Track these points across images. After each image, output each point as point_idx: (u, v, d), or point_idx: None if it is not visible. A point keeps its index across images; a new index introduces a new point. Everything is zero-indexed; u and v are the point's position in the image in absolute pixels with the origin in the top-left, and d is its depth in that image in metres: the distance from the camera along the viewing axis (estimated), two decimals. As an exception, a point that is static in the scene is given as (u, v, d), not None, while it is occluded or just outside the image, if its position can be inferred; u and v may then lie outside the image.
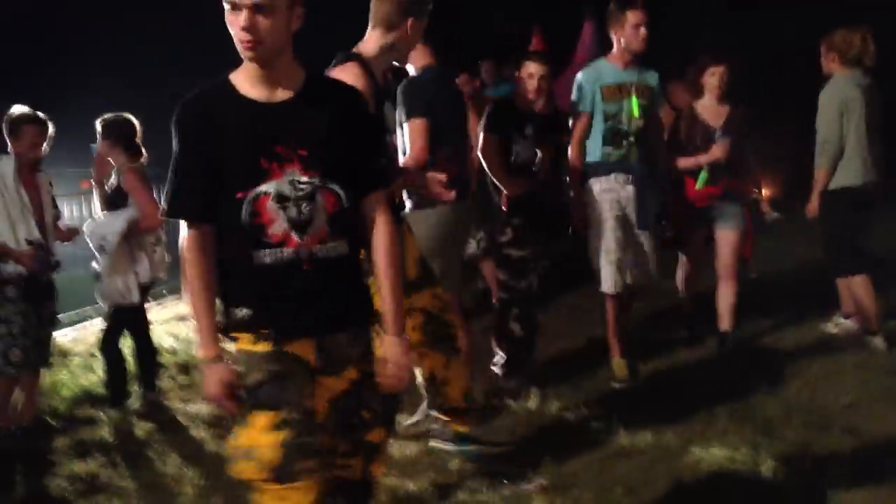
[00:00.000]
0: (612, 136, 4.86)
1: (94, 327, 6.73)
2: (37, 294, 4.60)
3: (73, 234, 4.97)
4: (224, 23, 2.30)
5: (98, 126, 4.89)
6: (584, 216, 4.93)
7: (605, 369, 5.06)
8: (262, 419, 2.34)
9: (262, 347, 2.37)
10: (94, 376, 5.56)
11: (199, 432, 4.65)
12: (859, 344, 5.11)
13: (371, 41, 3.30)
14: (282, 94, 2.39)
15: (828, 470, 3.54)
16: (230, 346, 2.43)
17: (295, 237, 2.35)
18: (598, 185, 4.86)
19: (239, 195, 2.32)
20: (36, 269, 4.54)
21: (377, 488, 2.72)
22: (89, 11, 14.16)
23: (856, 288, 5.14)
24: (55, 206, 4.92)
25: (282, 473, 2.32)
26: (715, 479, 3.60)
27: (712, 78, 5.24)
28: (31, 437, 4.60)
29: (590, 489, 3.59)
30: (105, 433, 4.72)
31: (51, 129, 4.72)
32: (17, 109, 4.66)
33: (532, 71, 4.78)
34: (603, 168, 4.87)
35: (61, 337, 6.54)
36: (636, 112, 4.82)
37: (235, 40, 2.30)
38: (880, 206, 5.28)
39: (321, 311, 2.43)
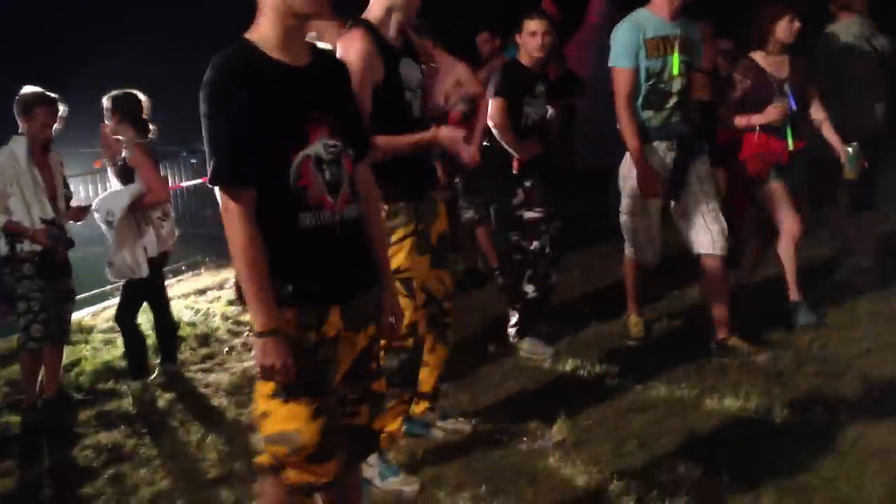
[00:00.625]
0: (654, 98, 4.45)
1: (114, 305, 6.83)
2: (53, 271, 4.67)
3: (84, 212, 5.03)
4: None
5: (105, 102, 4.92)
6: (654, 181, 4.46)
7: (618, 327, 5.10)
8: (300, 408, 2.37)
9: (311, 336, 2.38)
10: (116, 351, 5.64)
11: (219, 401, 4.73)
12: (873, 292, 5.12)
13: (374, 6, 3.38)
14: (303, 59, 2.41)
15: (840, 417, 3.57)
16: None
17: (329, 199, 2.40)
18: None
19: (286, 156, 2.33)
20: (50, 246, 4.61)
21: (380, 439, 2.77)
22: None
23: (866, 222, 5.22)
24: (67, 186, 4.98)
25: (319, 457, 2.41)
26: (727, 430, 3.65)
27: (789, 25, 4.81)
28: (55, 410, 4.69)
29: (605, 443, 3.65)
30: (127, 405, 4.81)
31: (62, 109, 4.76)
32: (29, 90, 4.70)
33: (533, 28, 4.76)
34: (647, 134, 4.47)
35: (82, 314, 6.63)
36: (677, 70, 4.39)
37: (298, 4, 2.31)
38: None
39: (350, 272, 2.49)
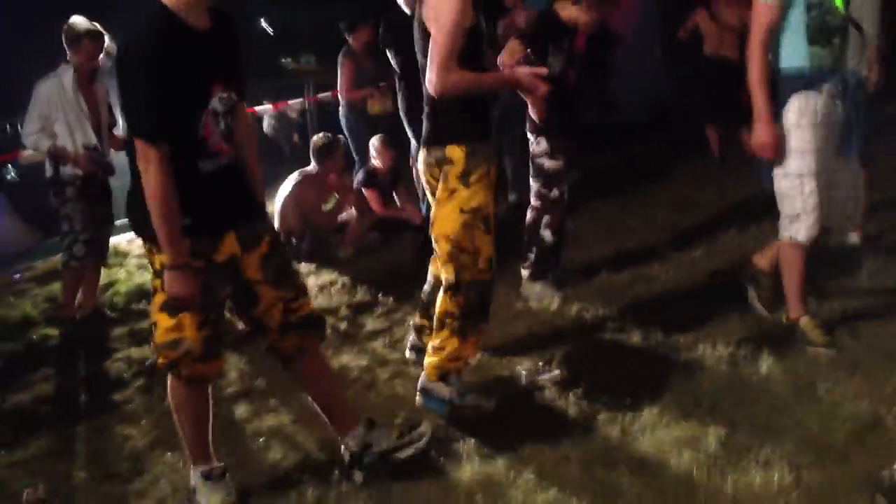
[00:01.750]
0: (820, 32, 3.72)
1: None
2: (93, 195, 4.96)
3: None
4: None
5: None
6: (777, 144, 3.80)
7: (627, 276, 5.30)
8: (189, 319, 2.88)
9: (197, 263, 2.83)
10: (148, 275, 5.91)
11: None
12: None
13: None
14: (208, 23, 2.77)
15: (822, 371, 3.77)
16: (163, 256, 2.81)
17: (225, 146, 2.86)
18: (803, 102, 3.76)
19: (196, 113, 2.74)
20: (91, 170, 4.89)
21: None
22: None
23: None
24: (112, 115, 5.23)
25: (202, 358, 2.96)
26: (714, 372, 3.87)
27: None
28: (92, 325, 5.01)
29: (600, 381, 3.88)
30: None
31: (108, 42, 4.98)
32: (77, 21, 4.92)
33: None
34: (809, 77, 3.74)
35: (118, 240, 6.93)
36: (839, 1, 3.72)
37: None
38: None
39: (241, 203, 2.99)
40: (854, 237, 5.26)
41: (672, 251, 5.71)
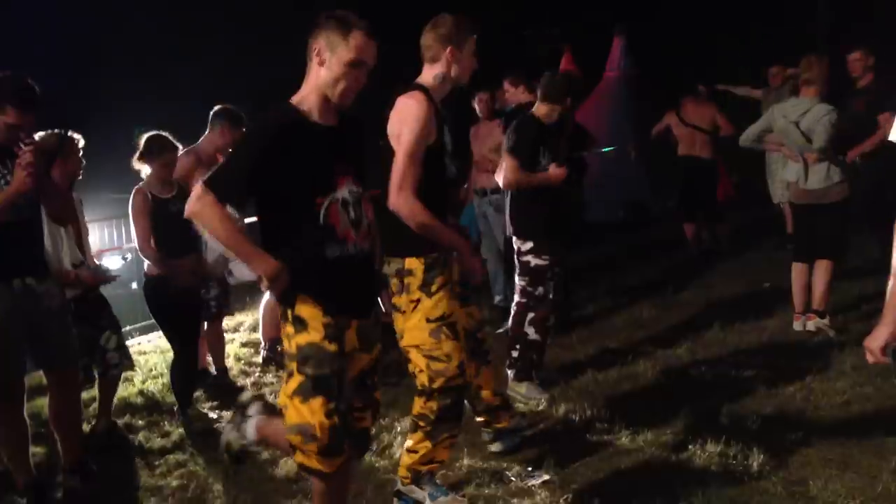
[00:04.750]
0: None
1: (132, 348, 7.09)
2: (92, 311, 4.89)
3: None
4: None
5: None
6: None
7: (612, 375, 5.30)
8: (318, 404, 2.90)
9: (333, 347, 2.92)
10: (132, 387, 5.86)
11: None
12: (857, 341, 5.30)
13: (426, 74, 3.71)
14: (333, 120, 2.98)
15: (815, 468, 3.76)
16: (301, 337, 2.92)
17: (353, 234, 2.97)
18: None
19: (318, 200, 2.89)
20: (98, 282, 4.85)
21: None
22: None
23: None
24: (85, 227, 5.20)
25: (328, 451, 2.94)
26: (705, 473, 3.84)
27: None
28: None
29: (590, 483, 3.85)
30: (142, 438, 5.01)
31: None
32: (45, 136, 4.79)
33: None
34: None
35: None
36: None
37: (341, 87, 2.89)
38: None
39: (364, 297, 3.10)
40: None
41: (657, 348, 5.74)
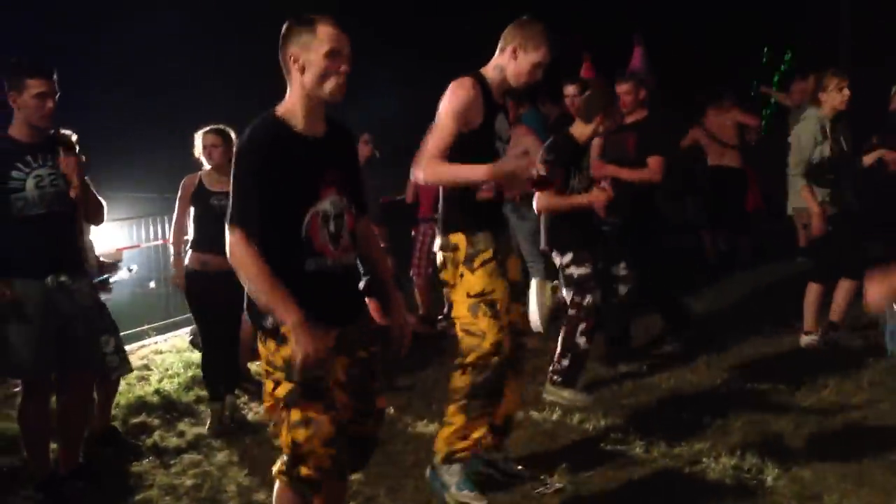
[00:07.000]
0: None
1: (149, 347, 7.15)
2: None
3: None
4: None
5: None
6: None
7: (630, 385, 5.29)
8: (317, 406, 2.85)
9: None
10: (149, 387, 5.90)
11: (247, 437, 4.97)
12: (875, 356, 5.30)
13: (491, 63, 3.78)
14: (321, 130, 2.92)
15: (829, 481, 3.74)
16: (285, 350, 2.83)
17: (331, 248, 2.91)
18: None
19: (300, 212, 2.85)
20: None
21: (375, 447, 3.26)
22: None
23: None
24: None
25: (333, 442, 2.88)
26: (719, 486, 3.82)
27: None
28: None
29: (603, 493, 3.84)
30: (157, 438, 5.05)
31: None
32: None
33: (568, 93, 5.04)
34: None
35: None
36: None
37: (329, 83, 2.81)
38: None
39: (341, 308, 2.99)
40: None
41: (673, 360, 5.71)
